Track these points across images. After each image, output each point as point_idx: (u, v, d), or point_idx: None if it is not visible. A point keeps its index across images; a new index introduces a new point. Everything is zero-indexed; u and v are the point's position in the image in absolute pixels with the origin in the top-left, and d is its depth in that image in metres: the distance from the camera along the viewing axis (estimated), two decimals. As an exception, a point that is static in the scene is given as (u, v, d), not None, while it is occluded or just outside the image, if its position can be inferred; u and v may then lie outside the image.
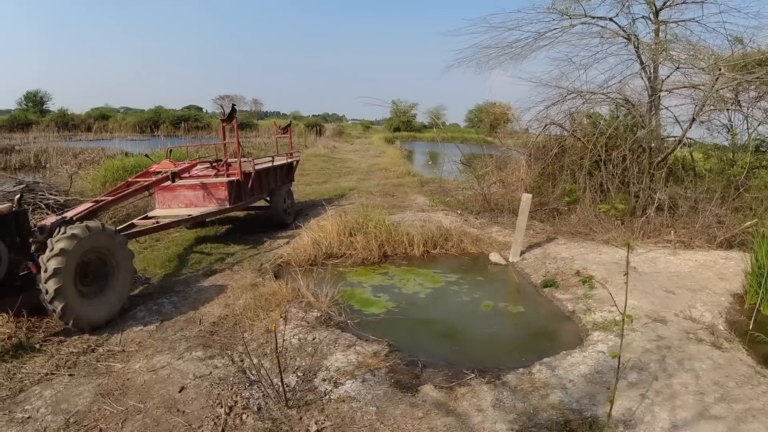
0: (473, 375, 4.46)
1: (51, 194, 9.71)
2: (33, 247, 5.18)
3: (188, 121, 51.81)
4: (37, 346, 5.02)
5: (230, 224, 10.07)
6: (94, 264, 5.25)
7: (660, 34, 11.14)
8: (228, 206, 8.21)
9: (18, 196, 5.07)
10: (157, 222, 7.12)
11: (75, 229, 4.92)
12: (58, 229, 5.00)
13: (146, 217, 7.78)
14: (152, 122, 52.32)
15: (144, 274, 6.89)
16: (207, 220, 9.12)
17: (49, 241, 4.80)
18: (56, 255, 4.73)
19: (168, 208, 8.23)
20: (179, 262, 7.56)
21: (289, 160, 10.88)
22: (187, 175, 8.16)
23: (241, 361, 4.65)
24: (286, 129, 11.61)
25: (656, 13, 11.18)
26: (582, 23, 11.44)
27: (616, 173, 10.33)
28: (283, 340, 4.09)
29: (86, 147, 26.08)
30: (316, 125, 51.99)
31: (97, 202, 6.20)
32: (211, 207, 8.15)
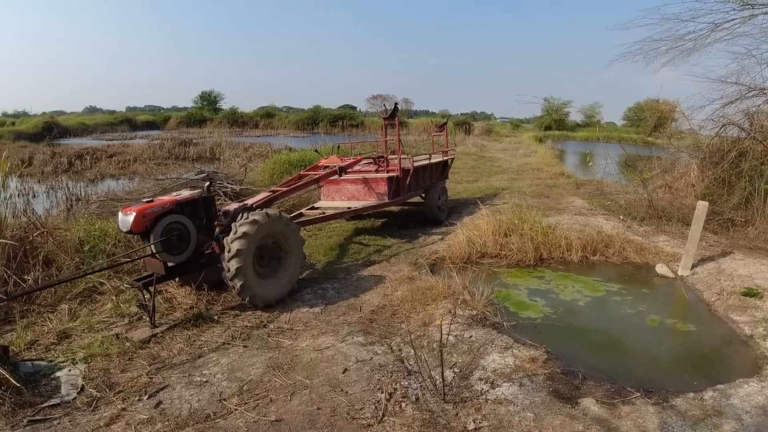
0: (638, 394, 4.18)
1: (228, 183, 10.74)
2: (217, 229, 5.78)
3: (344, 119, 54.34)
4: (215, 317, 5.61)
5: (386, 218, 10.42)
6: (269, 248, 5.76)
7: None
8: (387, 201, 8.52)
9: (207, 183, 5.70)
10: (323, 213, 7.63)
11: (256, 216, 5.43)
12: (240, 215, 5.54)
13: (312, 208, 8.34)
14: (311, 120, 55.60)
15: (309, 260, 7.39)
16: (365, 213, 9.54)
17: (233, 225, 5.36)
18: (239, 237, 5.26)
19: (331, 200, 8.75)
20: (340, 251, 8.00)
21: (445, 158, 10.99)
22: (351, 170, 8.60)
23: (399, 350, 4.79)
24: (442, 127, 11.77)
25: None
26: (765, 13, 10.18)
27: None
28: (441, 336, 4.15)
29: (254, 142, 28.36)
30: (465, 123, 51.91)
31: (273, 192, 6.80)
32: (371, 201, 8.51)
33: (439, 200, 9.92)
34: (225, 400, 4.02)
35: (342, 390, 4.09)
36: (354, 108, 76.14)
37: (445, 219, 10.05)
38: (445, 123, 11.84)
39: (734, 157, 10.38)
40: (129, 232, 5.22)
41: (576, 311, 6.09)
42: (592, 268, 7.68)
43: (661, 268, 7.56)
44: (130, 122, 59.46)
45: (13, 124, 55.26)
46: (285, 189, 6.94)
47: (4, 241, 6.59)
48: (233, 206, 5.95)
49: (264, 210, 5.65)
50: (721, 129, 10.94)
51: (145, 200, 5.43)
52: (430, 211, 9.75)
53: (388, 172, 8.93)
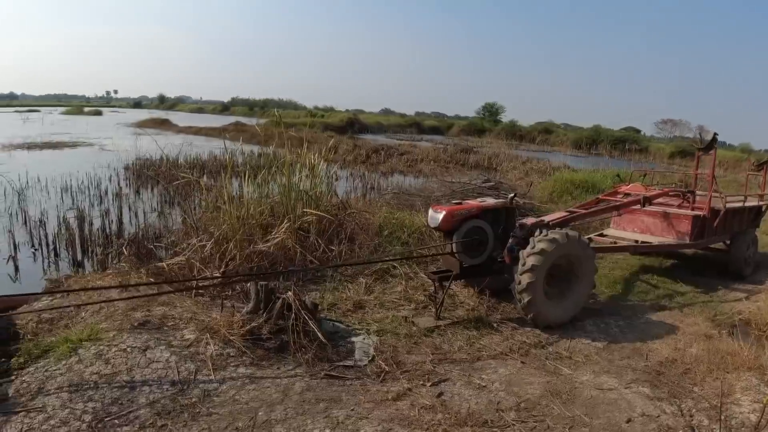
0: None
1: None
2: (511, 241, 5.88)
3: (626, 142, 50.67)
4: (494, 325, 5.73)
5: (677, 260, 9.41)
6: (562, 269, 5.67)
7: None
8: (687, 242, 7.66)
9: (512, 195, 5.85)
10: (615, 243, 7.20)
11: (556, 234, 5.39)
12: (538, 231, 5.55)
13: (601, 235, 7.94)
14: (591, 140, 53.02)
15: (594, 291, 7.07)
16: (660, 251, 8.70)
17: (531, 239, 5.40)
18: (536, 253, 5.28)
19: (622, 230, 8.21)
20: (625, 286, 7.48)
21: (761, 203, 9.45)
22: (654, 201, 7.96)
23: (690, 416, 4.27)
24: (761, 166, 10.05)
25: None
26: None
27: None
28: (762, 418, 3.56)
29: (531, 156, 28.27)
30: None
31: (570, 212, 6.68)
32: (669, 239, 7.75)
33: (747, 251, 8.54)
34: (503, 411, 4.08)
35: (625, 440, 3.82)
36: (638, 131, 70.40)
37: (750, 274, 8.64)
38: (766, 162, 10.08)
39: None
40: (437, 228, 5.67)
41: None
42: None
43: None
44: (418, 126, 64.51)
45: (322, 116, 64.61)
46: (583, 211, 6.74)
47: (321, 214, 7.70)
48: (530, 221, 6.02)
49: (565, 230, 5.59)
50: None
51: (454, 202, 5.81)
52: (734, 262, 8.46)
53: (693, 209, 8.03)
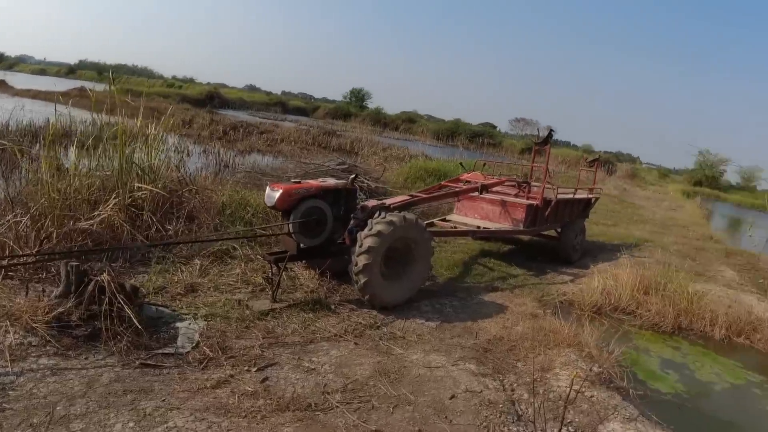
0: None
1: (365, 178, 10.90)
2: (352, 222, 5.79)
3: (483, 136, 53.74)
4: (332, 307, 5.63)
5: (513, 245, 10.02)
6: (399, 251, 5.69)
7: None
8: (521, 228, 8.15)
9: (352, 177, 5.74)
10: (455, 227, 7.45)
11: (393, 217, 5.39)
12: (378, 213, 5.51)
13: (444, 220, 8.19)
14: (450, 132, 55.54)
15: (431, 272, 7.23)
16: (496, 236, 9.20)
17: (369, 221, 5.34)
18: (373, 235, 5.24)
19: (464, 216, 8.54)
20: (463, 269, 7.77)
21: (590, 196, 10.35)
22: (492, 189, 8.34)
23: (512, 390, 4.49)
24: (593, 163, 11.10)
25: None
26: None
27: None
28: (569, 392, 3.78)
29: (393, 144, 28.84)
30: (607, 162, 49.15)
31: (412, 196, 6.75)
32: (506, 225, 8.19)
33: (576, 239, 9.34)
34: (329, 393, 3.98)
35: (446, 417, 3.89)
36: (494, 127, 75.07)
37: (578, 260, 9.45)
38: (597, 159, 11.15)
39: None
40: (273, 207, 5.40)
41: (711, 396, 5.40)
42: (735, 351, 6.80)
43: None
44: (283, 105, 63.02)
45: (180, 87, 61.01)
46: (424, 196, 6.87)
47: (155, 189, 7.09)
48: (372, 203, 5.97)
49: (403, 213, 5.60)
50: None
51: (293, 181, 5.58)
52: (563, 249, 9.20)
53: (528, 198, 8.55)
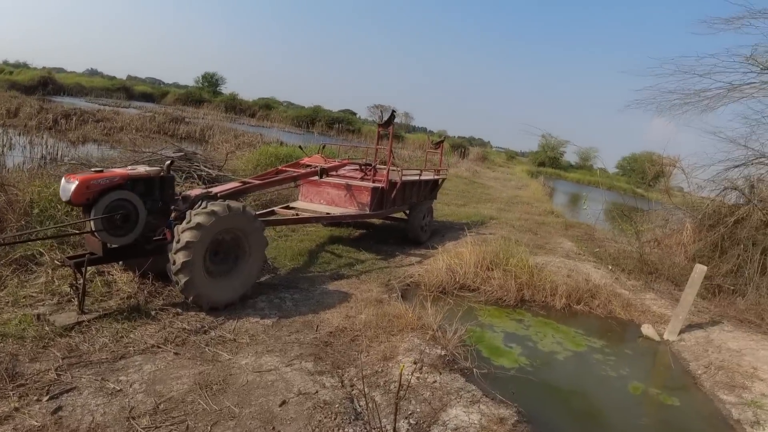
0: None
1: (206, 167, 10.07)
2: (173, 215, 5.13)
3: (342, 123, 53.75)
4: (153, 313, 4.94)
5: (365, 230, 9.81)
6: (227, 244, 5.11)
7: None
8: (368, 212, 7.92)
9: (168, 162, 5.06)
10: (297, 214, 7.00)
11: (216, 206, 4.79)
12: (200, 203, 4.90)
13: (287, 207, 7.71)
14: (309, 119, 54.81)
15: (273, 263, 6.74)
16: (343, 221, 8.88)
17: (188, 213, 4.71)
18: (192, 228, 4.62)
19: (310, 202, 8.12)
20: (309, 258, 7.36)
21: (436, 177, 10.43)
22: (334, 173, 7.98)
23: (351, 386, 4.17)
24: (438, 145, 11.19)
25: None
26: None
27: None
28: (400, 384, 3.53)
29: (247, 131, 27.72)
30: (461, 147, 51.51)
31: (244, 183, 6.15)
32: (351, 210, 7.90)
33: (423, 220, 9.34)
34: (134, 418, 3.38)
35: (273, 428, 3.46)
36: (354, 114, 75.48)
37: (427, 240, 9.47)
38: (442, 141, 11.25)
39: (732, 222, 9.99)
40: (68, 202, 4.56)
41: (554, 366, 5.53)
42: (575, 318, 7.14)
43: (647, 329, 7.04)
44: (127, 91, 58.22)
45: (11, 73, 54.27)
46: (258, 182, 6.26)
47: None
48: (195, 192, 5.29)
49: (226, 201, 5.00)
50: (722, 192, 10.63)
51: (94, 170, 4.77)
52: (412, 230, 9.15)
53: (374, 181, 8.34)
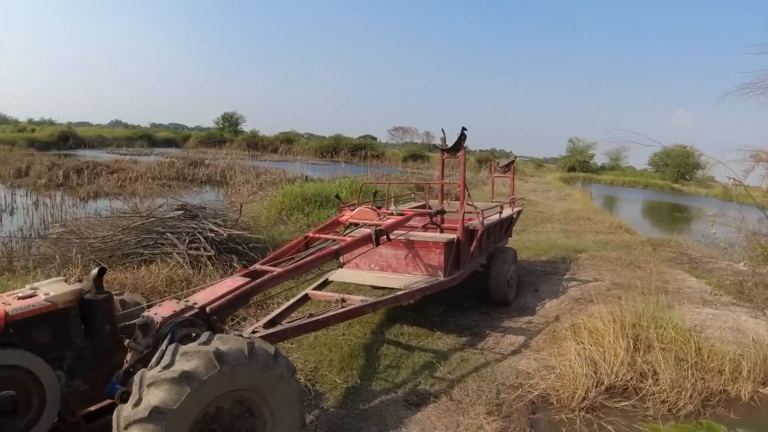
0: None
1: (215, 224, 7.75)
2: (124, 367, 2.71)
3: (364, 149, 52.04)
4: None
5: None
6: (227, 415, 2.61)
7: None
8: (442, 278, 5.34)
9: (95, 270, 2.66)
10: (343, 304, 4.41)
11: (192, 359, 2.30)
12: (166, 345, 2.48)
13: (325, 283, 5.27)
14: (332, 148, 53.32)
15: (314, 386, 4.27)
16: (409, 300, 6.00)
17: (135, 386, 2.23)
18: (144, 420, 2.18)
19: (355, 268, 5.65)
20: (366, 361, 4.81)
21: (514, 211, 7.89)
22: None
23: None
24: (508, 167, 8.50)
25: None
26: None
27: None
28: None
29: (269, 167, 25.95)
30: (487, 160, 48.99)
31: (252, 276, 3.58)
32: (417, 276, 5.39)
33: (509, 270, 6.76)
34: None
35: None
36: (374, 138, 74.23)
37: (513, 299, 6.95)
38: (512, 162, 8.61)
39: None
40: None
41: None
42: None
43: None
44: (149, 138, 58.14)
45: (33, 131, 54.36)
46: (278, 271, 3.70)
47: None
48: (162, 312, 2.83)
49: (214, 346, 2.45)
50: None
51: None
52: (497, 289, 6.55)
53: (444, 230, 5.88)
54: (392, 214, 5.50)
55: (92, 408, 2.77)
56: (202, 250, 7.03)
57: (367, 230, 4.57)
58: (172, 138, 62.56)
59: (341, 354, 4.89)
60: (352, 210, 5.71)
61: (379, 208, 5.90)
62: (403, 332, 5.64)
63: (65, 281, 2.72)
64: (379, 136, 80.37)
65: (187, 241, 7.24)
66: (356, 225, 5.49)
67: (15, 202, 15.41)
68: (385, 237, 4.53)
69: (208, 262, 6.79)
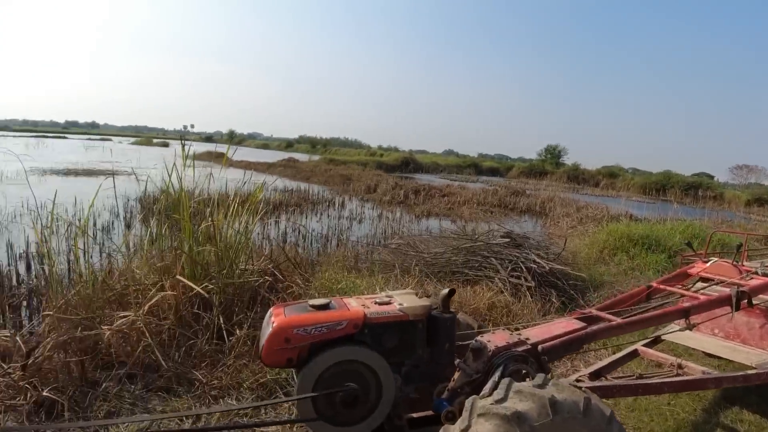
0: None
1: (537, 255, 7.78)
2: (451, 383, 2.85)
3: (699, 188, 45.74)
4: None
5: None
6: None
7: None
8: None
9: (446, 291, 2.85)
10: (679, 371, 3.89)
11: (526, 401, 2.24)
12: (499, 377, 2.53)
13: (656, 341, 4.73)
14: (660, 185, 48.11)
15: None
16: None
17: (466, 411, 2.27)
18: (501, 418, 2.18)
19: (697, 331, 4.92)
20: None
21: None
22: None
23: None
24: None
25: None
26: None
27: None
28: None
29: (590, 202, 25.09)
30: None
31: (586, 321, 3.42)
32: (768, 353, 4.44)
33: None
34: None
35: None
36: (711, 177, 64.81)
37: None
38: None
39: None
40: (258, 357, 2.77)
41: None
42: None
43: None
44: (476, 167, 62.42)
45: (381, 155, 64.08)
46: (617, 321, 3.46)
47: (191, 284, 4.96)
48: (495, 341, 2.91)
49: (548, 390, 2.30)
50: None
51: (293, 306, 2.80)
52: None
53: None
54: (756, 273, 4.64)
55: (414, 415, 2.98)
56: (523, 279, 7.13)
57: (726, 290, 3.91)
58: (497, 167, 65.64)
59: (665, 427, 4.32)
60: (705, 262, 5.00)
61: (737, 263, 5.05)
62: (742, 419, 4.69)
63: (415, 294, 3.01)
64: (717, 175, 70.07)
65: (509, 268, 7.43)
66: (707, 281, 4.79)
67: (364, 212, 18.26)
68: (746, 301, 3.83)
69: (527, 293, 6.84)
